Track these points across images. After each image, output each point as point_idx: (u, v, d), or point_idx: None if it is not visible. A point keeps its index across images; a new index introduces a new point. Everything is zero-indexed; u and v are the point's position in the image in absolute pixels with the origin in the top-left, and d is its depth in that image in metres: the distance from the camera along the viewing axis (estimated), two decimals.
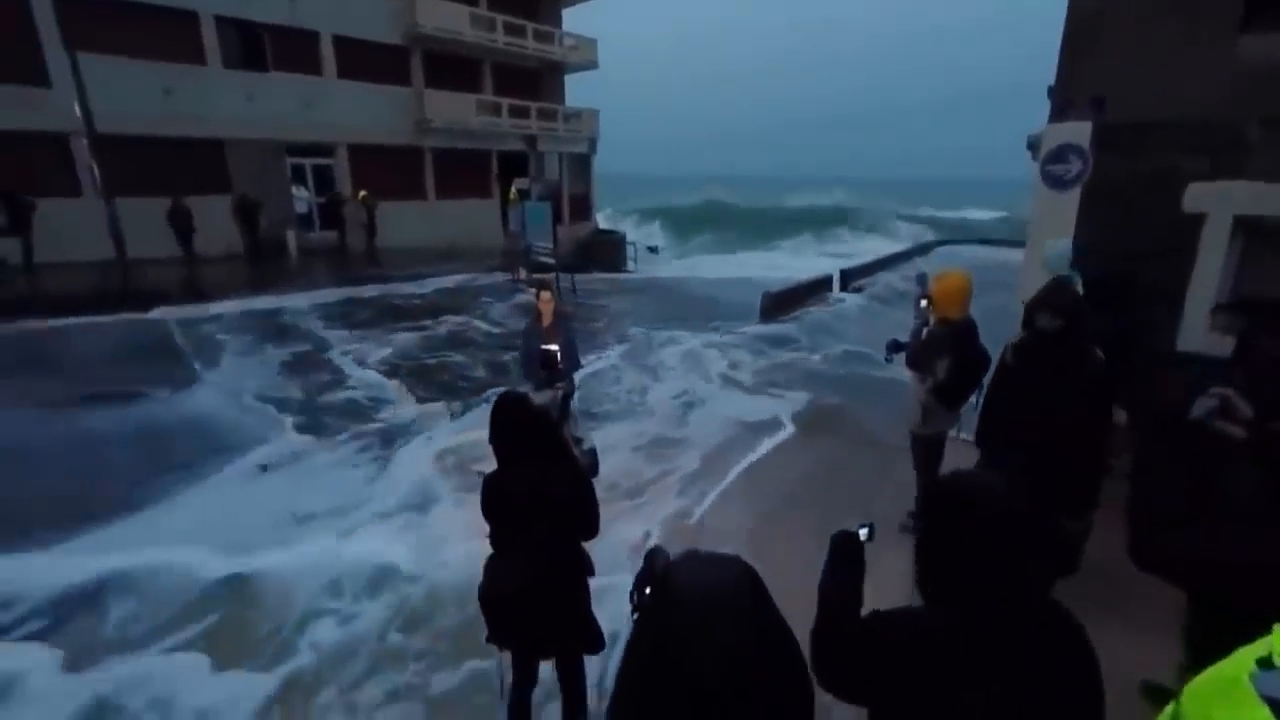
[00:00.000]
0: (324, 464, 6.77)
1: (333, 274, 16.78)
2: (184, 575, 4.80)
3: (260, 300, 13.96)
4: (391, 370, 9.85)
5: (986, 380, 3.96)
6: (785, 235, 42.17)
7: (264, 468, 6.58)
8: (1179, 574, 2.13)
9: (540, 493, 2.64)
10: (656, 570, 1.52)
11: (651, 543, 4.78)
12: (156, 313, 12.59)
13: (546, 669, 3.05)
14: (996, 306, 5.59)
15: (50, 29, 14.00)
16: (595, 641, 2.94)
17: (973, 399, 4.30)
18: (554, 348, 5.62)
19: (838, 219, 48.24)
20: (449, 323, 13.05)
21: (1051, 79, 6.24)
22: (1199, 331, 5.52)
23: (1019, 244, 6.75)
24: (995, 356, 3.85)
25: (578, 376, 6.29)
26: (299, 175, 21.05)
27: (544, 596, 2.67)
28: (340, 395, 8.83)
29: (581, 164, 29.69)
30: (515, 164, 25.58)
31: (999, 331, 4.23)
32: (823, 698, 1.42)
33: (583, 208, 29.66)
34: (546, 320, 5.93)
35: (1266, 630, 1.06)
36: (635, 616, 1.22)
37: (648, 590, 1.42)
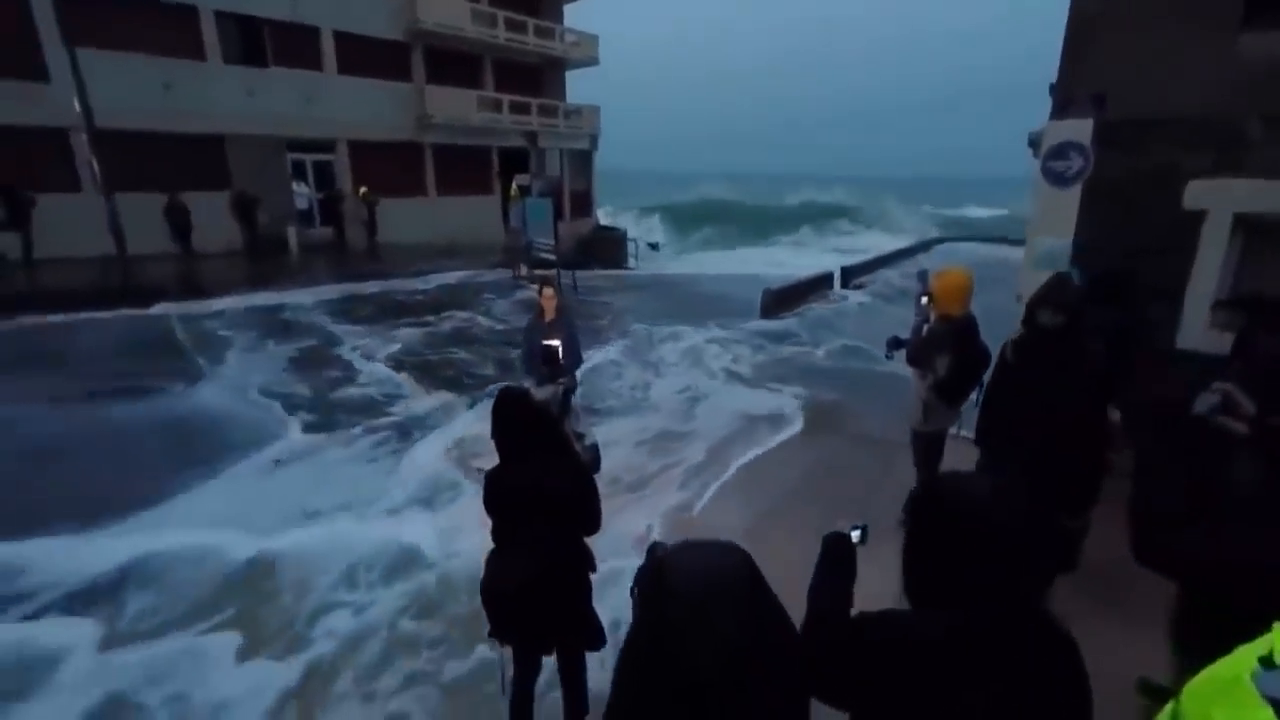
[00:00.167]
0: (340, 457, 6.81)
1: (334, 270, 16.77)
2: (211, 560, 4.92)
3: (262, 296, 13.95)
4: (401, 365, 9.87)
5: (986, 377, 3.96)
6: (786, 232, 42.19)
7: (277, 462, 6.62)
8: (1180, 572, 2.13)
9: (541, 488, 2.65)
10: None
11: (654, 536, 4.81)
12: (158, 308, 12.59)
13: (549, 664, 3.06)
14: (997, 304, 5.60)
15: (49, 24, 13.94)
16: (596, 637, 2.95)
17: (973, 396, 4.30)
18: (556, 343, 5.64)
19: (838, 215, 48.24)
20: (455, 319, 13.03)
21: (1053, 77, 6.24)
22: (1198, 329, 5.53)
23: (1019, 242, 6.76)
24: (995, 353, 3.85)
25: (579, 373, 6.30)
26: (299, 171, 21.01)
27: (545, 592, 2.68)
28: (352, 389, 8.87)
29: (582, 160, 29.66)
30: (516, 160, 25.47)
31: (999, 329, 4.24)
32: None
33: (584, 204, 29.65)
34: (549, 316, 5.94)
35: (1260, 628, 1.06)
36: (634, 606, 1.22)
37: (645, 581, 1.41)
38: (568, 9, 28.37)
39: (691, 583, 1.08)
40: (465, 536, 5.00)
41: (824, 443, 6.93)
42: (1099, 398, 3.35)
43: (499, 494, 2.74)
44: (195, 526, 5.34)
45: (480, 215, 24.96)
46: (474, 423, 7.39)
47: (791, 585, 1.78)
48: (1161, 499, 2.19)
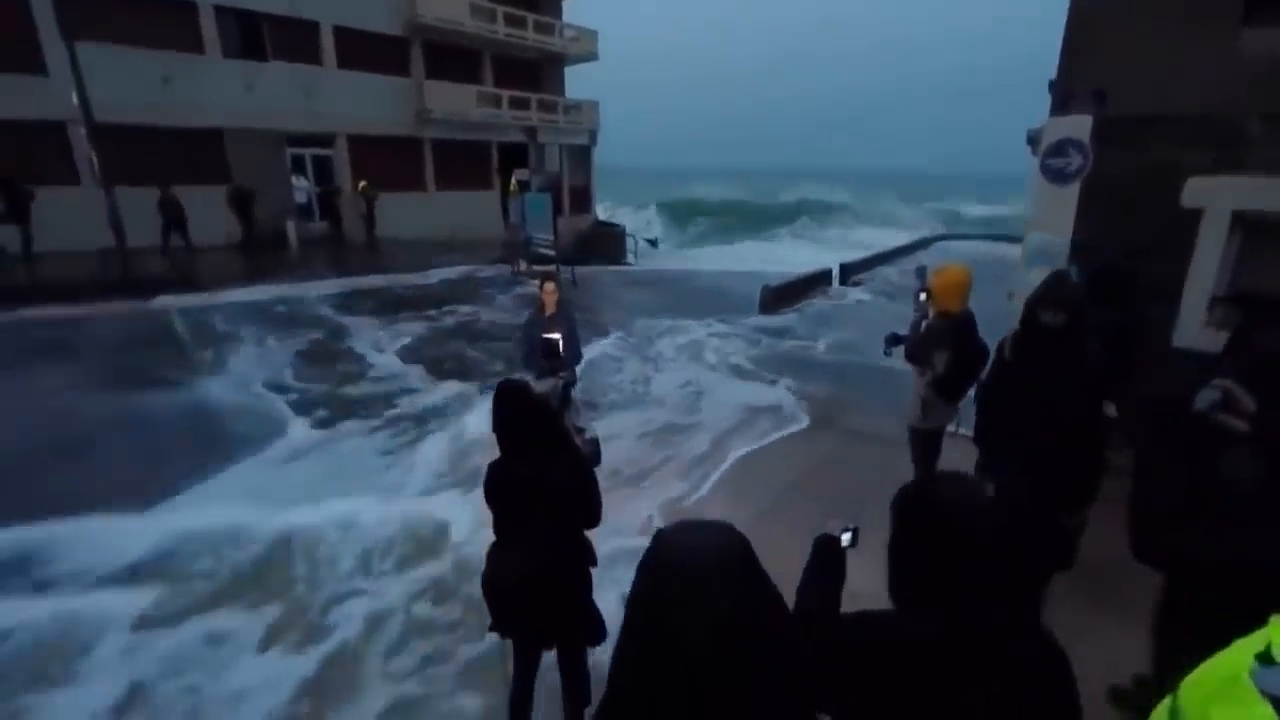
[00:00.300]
0: (357, 446, 6.89)
1: (335, 265, 16.74)
2: (233, 542, 5.04)
3: (264, 290, 13.90)
4: (412, 358, 9.91)
5: (984, 374, 3.96)
6: (785, 228, 42.19)
7: (295, 450, 6.72)
8: (1179, 569, 2.14)
9: (542, 481, 2.66)
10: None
11: (656, 525, 4.83)
12: (159, 301, 12.57)
13: (549, 657, 3.07)
14: (994, 301, 5.61)
15: (48, 18, 13.90)
16: (597, 631, 2.96)
17: (972, 393, 4.30)
18: (556, 336, 5.68)
19: (836, 211, 48.27)
20: (459, 313, 13.06)
21: (1053, 74, 6.24)
22: (1195, 328, 5.54)
23: (1018, 239, 6.77)
24: (993, 350, 3.86)
25: (578, 367, 6.33)
26: (299, 165, 20.97)
27: (545, 587, 2.69)
28: (364, 380, 8.96)
29: (581, 156, 29.59)
30: (515, 155, 25.47)
31: (991, 326, 4.26)
32: None
33: (583, 200, 29.59)
34: (549, 310, 5.97)
35: (1249, 625, 1.06)
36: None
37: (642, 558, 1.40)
38: (567, 4, 28.31)
39: (688, 560, 1.08)
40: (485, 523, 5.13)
41: (822, 438, 6.95)
42: (1098, 397, 3.34)
43: (499, 486, 2.74)
44: (218, 509, 5.47)
45: (479, 210, 24.91)
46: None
47: (789, 581, 1.79)
48: (1161, 497, 2.20)
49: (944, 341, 4.25)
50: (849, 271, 19.46)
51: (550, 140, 27.35)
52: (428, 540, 5.11)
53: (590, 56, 28.48)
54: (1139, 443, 2.89)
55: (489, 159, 25.62)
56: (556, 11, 27.62)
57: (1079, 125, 5.50)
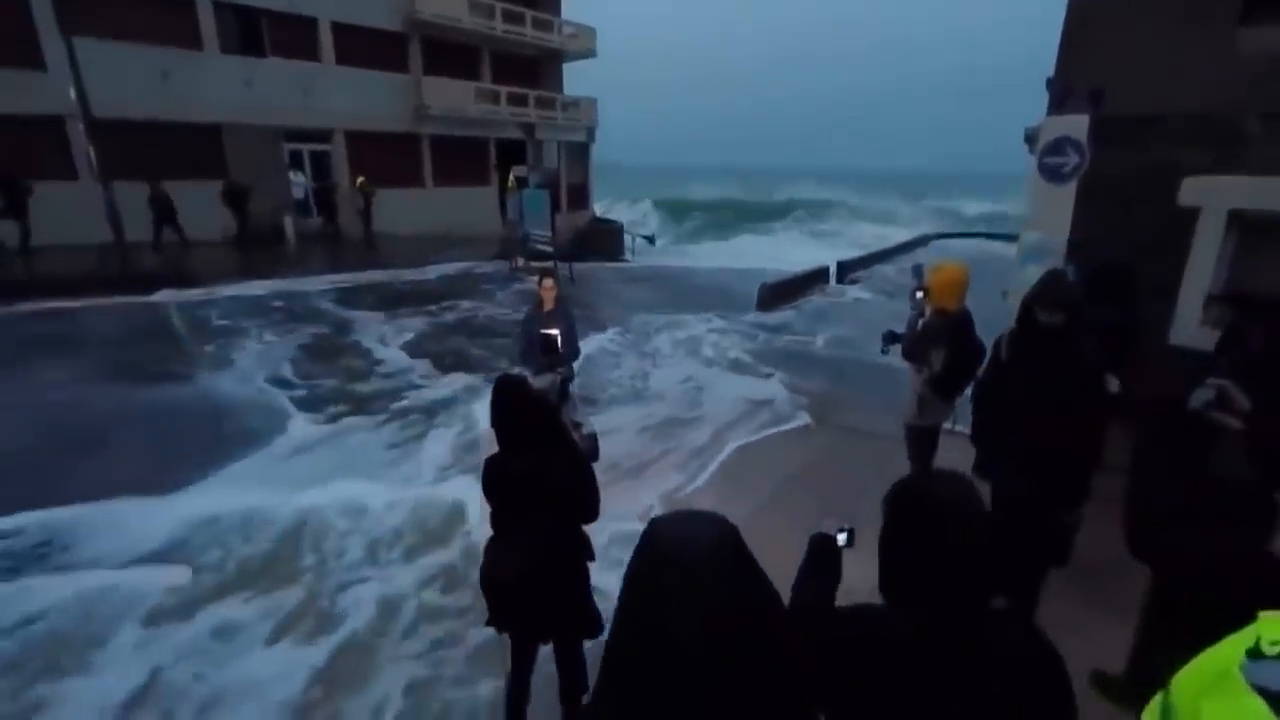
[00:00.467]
0: (366, 440, 6.94)
1: (333, 260, 16.74)
2: (252, 524, 5.18)
3: (263, 284, 13.91)
4: (417, 352, 9.96)
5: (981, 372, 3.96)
6: (783, 225, 42.17)
7: (303, 443, 6.78)
8: (1178, 569, 2.16)
9: (540, 476, 2.66)
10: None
11: (656, 512, 4.84)
12: (160, 295, 12.56)
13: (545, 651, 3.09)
14: (992, 299, 5.62)
15: (46, 13, 13.88)
16: (594, 626, 2.96)
17: (968, 390, 4.31)
18: (555, 332, 5.70)
19: (835, 209, 48.27)
20: (460, 309, 13.09)
21: (1052, 73, 6.25)
22: (1191, 326, 5.55)
23: (1016, 237, 6.77)
24: (989, 349, 3.86)
25: (576, 363, 6.36)
26: (296, 161, 20.95)
27: (544, 582, 2.70)
28: (372, 373, 9.03)
29: (579, 152, 29.57)
30: (513, 152, 25.47)
31: (987, 324, 4.27)
32: None
33: (581, 196, 29.59)
34: (548, 306, 6.01)
35: (1238, 622, 1.08)
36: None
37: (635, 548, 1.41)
38: (566, 2, 28.24)
39: (681, 549, 1.08)
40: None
41: (820, 435, 6.97)
42: (1095, 396, 3.33)
43: (498, 481, 2.75)
44: (233, 494, 5.60)
45: (477, 206, 24.89)
46: None
47: (785, 576, 1.81)
48: (1159, 496, 2.21)
49: (941, 339, 4.26)
50: (846, 269, 19.47)
51: (548, 137, 27.35)
52: (438, 527, 5.22)
53: (588, 53, 28.44)
54: (1137, 441, 2.91)
55: (487, 155, 25.60)
56: (555, 8, 27.57)
57: (1076, 124, 5.49)
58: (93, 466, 6.05)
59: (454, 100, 23.07)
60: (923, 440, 4.70)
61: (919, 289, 4.48)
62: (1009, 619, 1.38)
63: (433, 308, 12.95)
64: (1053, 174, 5.64)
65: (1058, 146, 5.58)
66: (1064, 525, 3.45)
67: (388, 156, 22.18)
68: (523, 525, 2.72)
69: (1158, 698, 1.18)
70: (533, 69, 27.36)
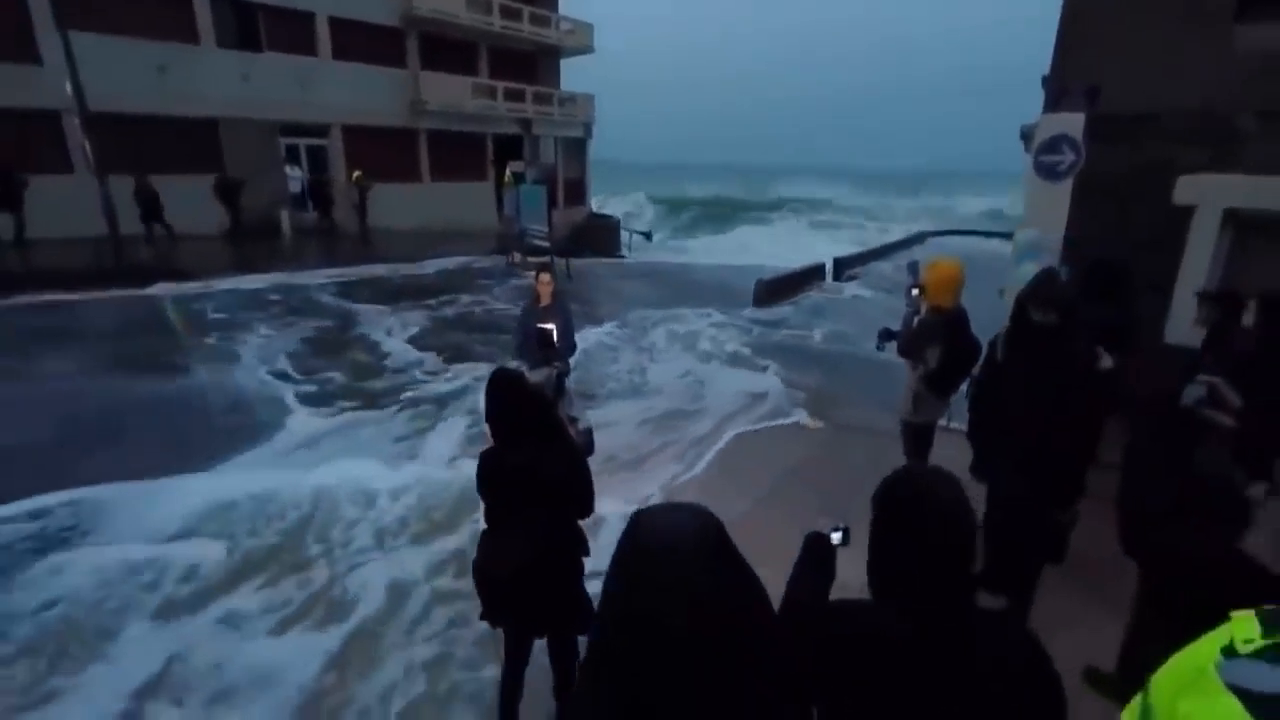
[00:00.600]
0: (376, 431, 6.98)
1: (330, 254, 16.70)
2: (267, 505, 5.29)
3: (259, 278, 13.86)
4: (421, 345, 9.98)
5: (976, 370, 3.97)
6: (782, 224, 42.17)
7: (312, 435, 6.82)
8: (1172, 568, 2.17)
9: (535, 471, 2.66)
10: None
11: (654, 501, 4.86)
12: (156, 289, 12.53)
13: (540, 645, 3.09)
14: (988, 296, 5.63)
15: (42, 7, 13.82)
16: (589, 619, 2.97)
17: (964, 387, 4.32)
18: (551, 326, 5.71)
19: (833, 206, 48.31)
20: (460, 303, 13.09)
21: (1046, 70, 6.25)
22: (1186, 324, 5.56)
23: (1011, 235, 6.78)
24: (985, 347, 3.86)
25: (573, 358, 6.37)
26: (293, 155, 20.90)
27: (539, 577, 2.70)
28: (379, 365, 9.09)
29: (577, 148, 29.54)
30: (510, 147, 25.43)
31: (990, 322, 4.27)
32: None
33: (578, 192, 29.55)
34: (545, 301, 6.02)
35: (1220, 618, 1.08)
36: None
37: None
38: None
39: (665, 541, 1.09)
40: None
41: (816, 431, 6.98)
42: (1093, 395, 3.33)
43: (493, 475, 2.75)
44: (248, 478, 5.72)
45: (474, 201, 24.84)
46: None
47: (779, 570, 1.82)
48: (1153, 496, 2.22)
49: (936, 336, 4.26)
50: (843, 266, 19.50)
51: (545, 132, 27.31)
52: (446, 516, 5.25)
53: (586, 49, 28.40)
54: (1130, 439, 2.92)
55: (484, 150, 25.56)
56: (552, 4, 27.51)
57: (1072, 122, 5.50)
58: (92, 460, 6.03)
59: (451, 95, 23.02)
60: (918, 436, 4.71)
61: (915, 286, 4.49)
62: (1003, 620, 1.39)
63: (431, 302, 12.93)
64: (1048, 172, 5.65)
65: (1053, 144, 5.58)
66: (1059, 523, 3.46)
67: (385, 151, 22.12)
68: (518, 519, 2.72)
69: (1137, 698, 1.18)
70: (530, 64, 27.29)
